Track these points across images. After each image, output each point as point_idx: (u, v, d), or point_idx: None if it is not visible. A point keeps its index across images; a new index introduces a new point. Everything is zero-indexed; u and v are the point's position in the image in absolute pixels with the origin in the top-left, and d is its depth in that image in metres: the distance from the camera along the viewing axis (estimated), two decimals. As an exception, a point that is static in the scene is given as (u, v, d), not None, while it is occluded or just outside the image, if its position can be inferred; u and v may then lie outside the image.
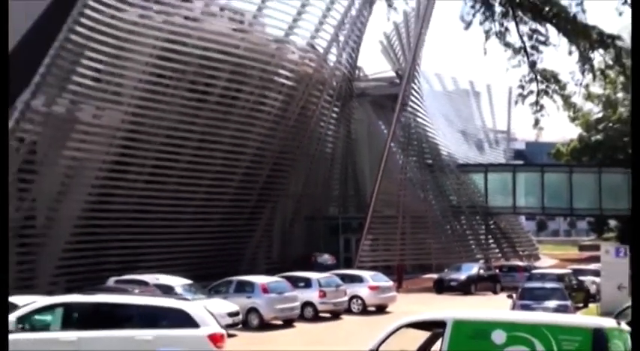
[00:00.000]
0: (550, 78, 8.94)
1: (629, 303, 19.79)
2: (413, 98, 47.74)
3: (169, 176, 33.47)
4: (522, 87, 9.07)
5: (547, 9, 8.39)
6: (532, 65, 8.82)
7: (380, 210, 43.55)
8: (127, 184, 32.05)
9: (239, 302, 23.77)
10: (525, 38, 8.66)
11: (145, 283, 23.06)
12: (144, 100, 32.47)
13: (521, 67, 8.91)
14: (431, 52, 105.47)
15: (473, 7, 8.49)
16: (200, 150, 34.34)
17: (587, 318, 12.53)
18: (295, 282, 26.90)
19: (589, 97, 55.26)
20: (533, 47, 8.73)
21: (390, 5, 9.16)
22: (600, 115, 63.40)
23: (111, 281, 24.48)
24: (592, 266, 36.52)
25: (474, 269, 39.87)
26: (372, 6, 41.18)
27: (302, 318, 25.94)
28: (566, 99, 9.17)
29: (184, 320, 13.00)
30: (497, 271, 41.43)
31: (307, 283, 27.23)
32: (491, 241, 54.94)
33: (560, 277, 30.46)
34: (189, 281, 24.44)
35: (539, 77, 8.90)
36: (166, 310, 13.42)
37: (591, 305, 29.53)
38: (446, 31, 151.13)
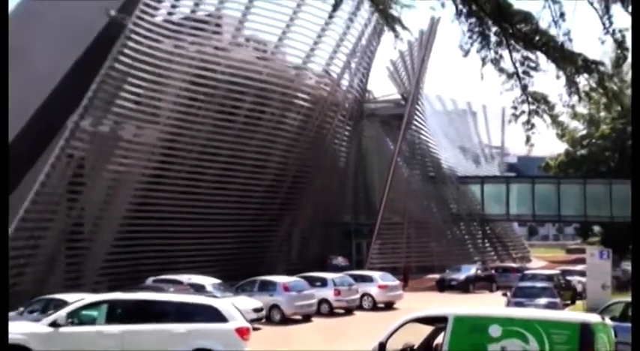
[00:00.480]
0: (540, 99, 8.89)
1: (612, 300, 19.63)
2: (417, 118, 47.73)
3: (201, 187, 33.52)
4: (515, 108, 9.02)
5: (537, 38, 8.37)
6: (524, 88, 8.78)
7: (388, 217, 43.43)
8: (164, 195, 32.14)
9: (263, 299, 23.70)
10: (518, 64, 8.63)
11: (179, 283, 23.10)
12: (178, 120, 32.64)
13: (513, 90, 8.87)
14: (433, 77, 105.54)
15: (470, 37, 8.47)
16: (228, 164, 34.42)
17: (575, 314, 12.40)
18: (312, 281, 26.84)
19: (575, 116, 54.92)
20: (524, 72, 8.69)
21: (396, 36, 9.15)
22: (584, 132, 63.10)
23: (149, 280, 24.54)
24: (578, 267, 36.17)
25: (472, 270, 39.63)
26: (381, 36, 41.21)
27: (319, 313, 25.85)
28: (554, 118, 9.11)
29: (214, 315, 13.01)
30: (493, 271, 41.13)
31: (323, 283, 27.17)
32: (487, 244, 54.65)
33: (549, 277, 30.23)
34: (218, 280, 24.44)
35: (530, 99, 8.86)
36: (198, 307, 13.44)
37: (578, 302, 29.24)
38: (446, 57, 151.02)
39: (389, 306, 29.32)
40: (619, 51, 8.74)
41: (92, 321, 13.23)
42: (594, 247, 34.60)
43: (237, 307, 14.19)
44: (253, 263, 33.91)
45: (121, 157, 30.97)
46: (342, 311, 27.10)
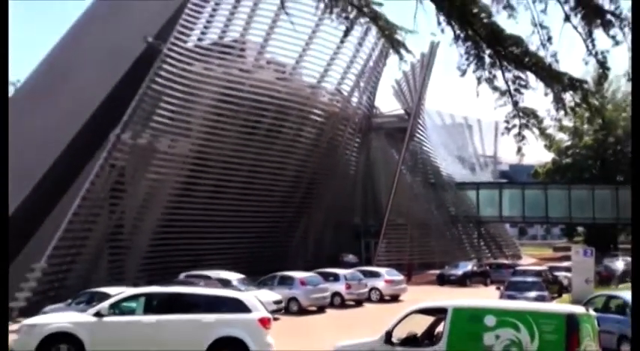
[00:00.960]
0: (530, 114, 8.85)
1: (595, 293, 19.43)
2: (419, 131, 47.63)
3: (227, 193, 33.59)
4: (507, 121, 8.97)
5: (527, 60, 8.35)
6: (515, 104, 8.74)
7: (393, 219, 43.27)
8: (194, 200, 32.22)
9: (282, 293, 23.70)
10: (510, 83, 8.59)
11: (208, 278, 23.04)
12: (207, 134, 32.75)
13: (506, 105, 8.83)
14: (433, 94, 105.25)
15: (467, 59, 8.45)
16: (251, 172, 34.46)
17: (561, 306, 12.29)
18: (326, 276, 26.79)
19: (561, 128, 54.79)
20: (516, 90, 8.65)
21: (400, 58, 9.15)
22: (569, 143, 62.75)
23: (182, 276, 24.52)
24: (564, 264, 35.89)
25: (468, 266, 39.40)
26: (386, 59, 41.19)
27: (332, 305, 25.79)
28: (542, 131, 9.05)
29: (239, 307, 12.99)
30: (487, 268, 40.86)
31: (336, 278, 27.11)
32: (482, 243, 54.25)
33: (538, 273, 30.02)
34: (242, 276, 24.42)
35: (521, 114, 8.81)
36: (225, 299, 13.42)
37: (564, 295, 28.98)
38: (445, 77, 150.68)
39: (394, 298, 29.23)
40: (601, 70, 8.70)
41: (131, 311, 13.26)
42: (578, 246, 34.29)
43: (260, 299, 14.16)
44: (273, 260, 33.90)
45: (157, 167, 31.09)
46: (352, 303, 27.02)
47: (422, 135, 48.67)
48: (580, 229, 66.90)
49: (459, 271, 37.87)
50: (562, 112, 8.80)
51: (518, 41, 8.27)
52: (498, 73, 8.44)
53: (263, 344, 12.70)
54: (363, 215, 48.73)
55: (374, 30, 10.47)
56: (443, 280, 37.34)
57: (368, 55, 40.54)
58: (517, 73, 8.43)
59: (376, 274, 29.82)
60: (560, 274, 32.73)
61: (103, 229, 28.85)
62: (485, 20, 8.18)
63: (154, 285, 16.56)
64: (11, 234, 26.66)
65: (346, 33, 9.66)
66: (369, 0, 8.73)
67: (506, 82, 8.47)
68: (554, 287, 29.47)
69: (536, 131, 8.81)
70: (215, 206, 32.87)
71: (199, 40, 34.27)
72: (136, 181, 30.40)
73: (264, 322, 12.89)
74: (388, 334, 10.13)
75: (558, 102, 8.53)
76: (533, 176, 65.95)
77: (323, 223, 42.47)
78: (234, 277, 23.70)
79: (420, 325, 10.58)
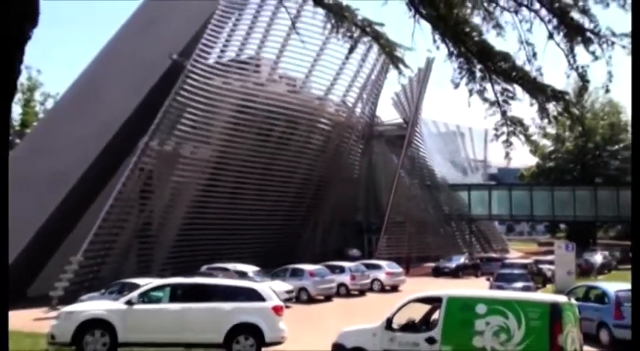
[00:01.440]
0: (517, 123, 8.82)
1: (576, 284, 19.32)
2: (416, 138, 47.56)
3: (243, 194, 33.61)
4: (496, 129, 8.94)
5: (514, 74, 8.34)
6: (503, 114, 8.71)
7: (393, 217, 43.19)
8: (214, 200, 32.29)
9: (293, 283, 23.73)
10: (498, 95, 8.57)
11: (226, 270, 23.11)
12: (226, 141, 32.81)
13: (495, 115, 8.80)
14: (429, 104, 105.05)
15: (460, 73, 8.44)
16: (264, 175, 34.48)
17: (546, 295, 12.22)
18: (333, 269, 26.79)
19: (545, 135, 54.72)
20: (504, 101, 8.63)
21: (399, 73, 9.15)
22: (552, 148, 62.61)
23: (203, 268, 24.58)
24: (548, 257, 35.72)
25: (461, 260, 39.34)
26: (387, 73, 41.11)
27: (338, 294, 25.80)
28: (528, 138, 9.01)
29: (255, 296, 13.00)
30: (478, 261, 40.75)
31: (341, 270, 27.10)
32: (473, 239, 54.11)
33: (524, 266, 29.89)
34: (258, 268, 24.46)
35: (508, 122, 8.78)
36: (242, 289, 13.43)
37: (548, 286, 28.87)
38: (440, 89, 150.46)
39: (394, 289, 29.18)
40: (581, 83, 8.67)
41: (158, 300, 13.28)
42: (561, 241, 34.11)
43: (273, 289, 14.17)
44: (285, 254, 33.89)
45: (181, 170, 31.16)
46: (356, 293, 27.02)
47: (419, 141, 48.59)
48: (562, 226, 66.63)
49: (453, 264, 37.79)
50: (546, 121, 8.77)
51: (506, 57, 8.26)
52: (488, 85, 8.43)
53: (276, 329, 12.71)
54: (365, 213, 48.66)
55: (376, 47, 10.48)
56: (438, 273, 37.26)
57: (370, 70, 40.52)
58: (505, 85, 8.42)
59: (378, 267, 29.79)
60: (545, 266, 32.58)
61: (133, 227, 28.94)
62: (476, 38, 8.18)
63: (179, 276, 16.58)
64: (51, 230, 26.93)
65: (351, 50, 9.68)
66: (371, 21, 8.74)
67: (496, 94, 8.45)
68: (539, 278, 29.35)
69: (523, 138, 8.78)
70: (233, 206, 32.91)
71: (219, 57, 34.38)
72: (163, 184, 30.48)
73: (277, 310, 12.90)
74: (389, 321, 10.11)
75: (542, 111, 8.50)
76: (520, 178, 65.75)
77: (329, 220, 42.44)
78: (250, 269, 23.73)
79: (417, 312, 10.55)
